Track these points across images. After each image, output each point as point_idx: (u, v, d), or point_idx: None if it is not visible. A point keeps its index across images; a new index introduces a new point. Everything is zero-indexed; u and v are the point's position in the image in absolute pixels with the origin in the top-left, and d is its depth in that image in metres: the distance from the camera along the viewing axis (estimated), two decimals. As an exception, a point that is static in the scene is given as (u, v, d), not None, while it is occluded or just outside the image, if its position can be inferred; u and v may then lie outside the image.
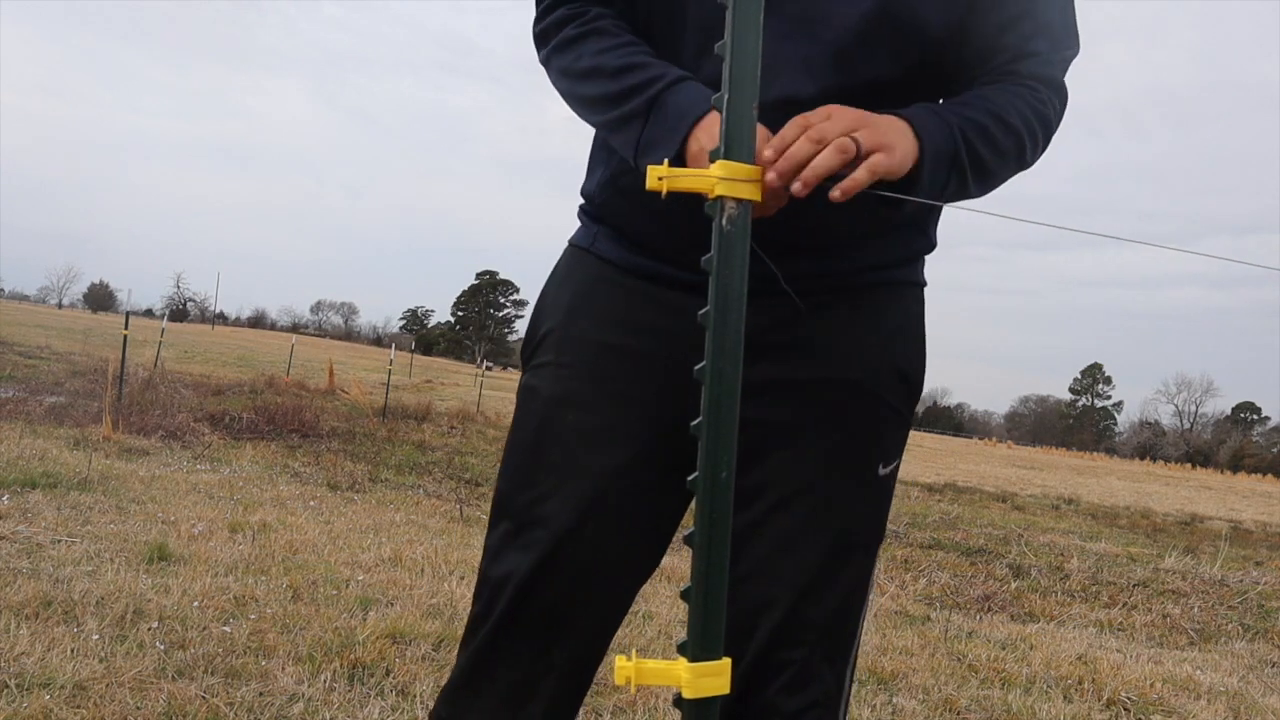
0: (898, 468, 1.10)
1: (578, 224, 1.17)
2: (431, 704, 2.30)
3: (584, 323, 1.09)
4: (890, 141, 0.86)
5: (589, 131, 1.13)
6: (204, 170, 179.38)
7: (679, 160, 0.90)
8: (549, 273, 1.18)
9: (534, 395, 1.10)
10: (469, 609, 1.12)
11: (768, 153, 0.83)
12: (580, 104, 1.04)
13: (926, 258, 1.13)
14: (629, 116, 0.97)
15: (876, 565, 1.12)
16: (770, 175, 0.82)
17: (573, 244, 1.16)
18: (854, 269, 1.04)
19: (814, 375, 1.02)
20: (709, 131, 0.88)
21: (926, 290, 1.13)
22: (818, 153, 0.83)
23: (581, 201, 1.16)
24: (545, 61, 1.08)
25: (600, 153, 1.12)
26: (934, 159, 0.90)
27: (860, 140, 0.84)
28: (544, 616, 1.05)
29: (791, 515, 1.03)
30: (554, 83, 1.07)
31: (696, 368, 0.80)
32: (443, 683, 2.44)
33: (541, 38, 1.08)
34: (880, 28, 0.96)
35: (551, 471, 1.06)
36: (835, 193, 0.84)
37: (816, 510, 1.03)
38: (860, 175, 0.84)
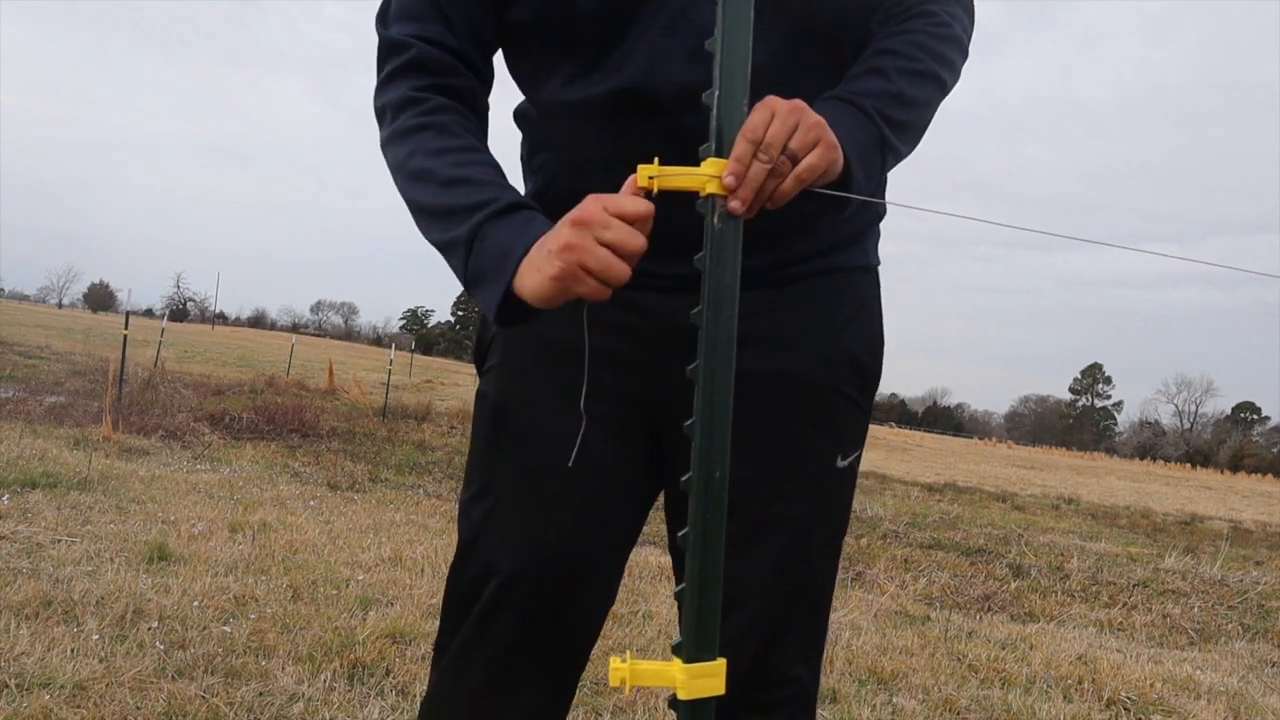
0: (859, 459, 1.09)
1: None
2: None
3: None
4: (826, 138, 0.86)
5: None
6: (204, 170, 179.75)
7: (511, 297, 0.87)
8: None
9: (484, 401, 1.08)
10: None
11: (729, 179, 0.81)
12: (410, 206, 0.98)
13: (884, 243, 1.13)
14: (453, 243, 0.92)
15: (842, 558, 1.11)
16: (734, 204, 0.82)
17: None
18: (806, 254, 1.03)
19: (768, 369, 1.01)
20: (532, 269, 0.85)
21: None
22: (768, 174, 0.83)
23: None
24: (382, 145, 1.01)
25: (525, 168, 1.12)
26: (861, 157, 0.91)
27: (795, 151, 0.84)
28: (514, 629, 1.02)
29: (752, 512, 1.01)
30: (389, 168, 1.01)
31: (689, 367, 0.80)
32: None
33: (379, 116, 1.02)
34: None
35: (506, 477, 1.04)
36: (767, 205, 0.86)
37: (778, 505, 1.02)
38: (787, 187, 0.85)
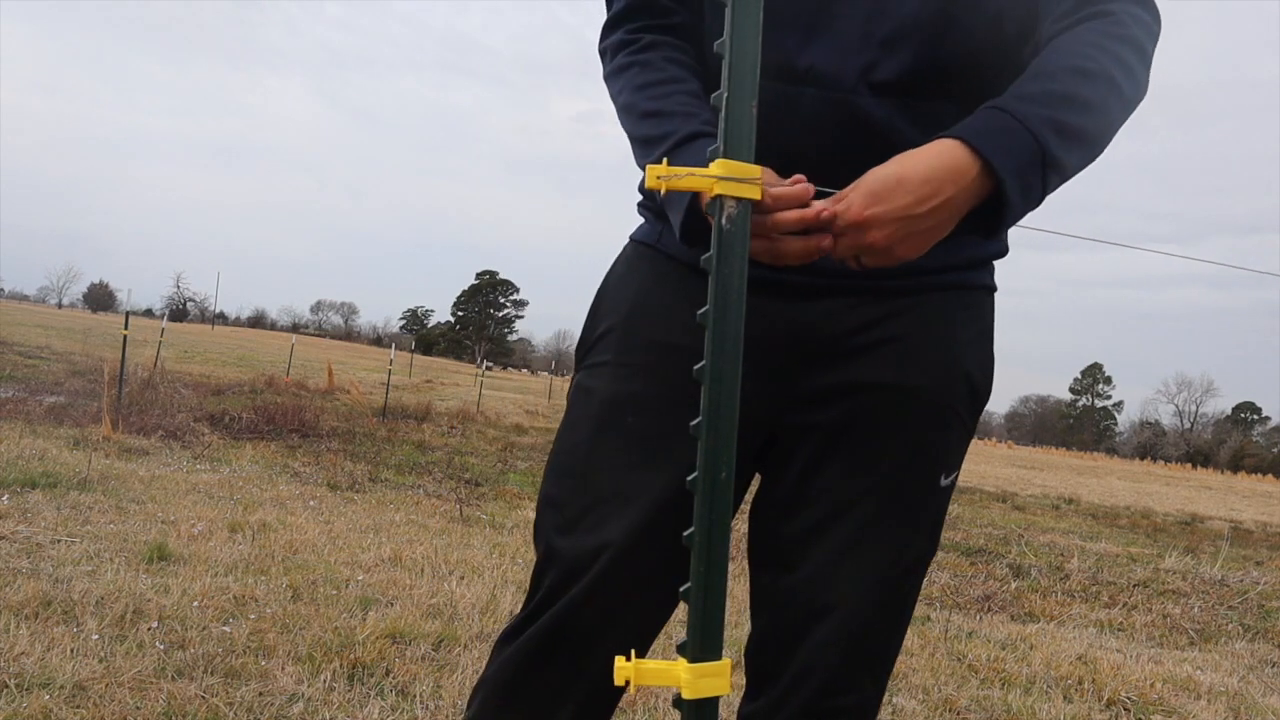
0: (956, 479, 1.08)
1: (639, 220, 1.13)
2: (432, 704, 2.31)
3: (647, 322, 1.05)
4: (894, 255, 0.87)
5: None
6: (204, 169, 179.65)
7: (693, 217, 0.93)
8: (609, 268, 1.14)
9: (590, 396, 1.06)
10: (515, 608, 1.09)
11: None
12: (629, 139, 1.05)
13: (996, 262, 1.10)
14: None
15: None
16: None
17: (636, 240, 1.12)
18: (930, 268, 1.00)
19: (890, 380, 1.00)
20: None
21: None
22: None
23: (640, 198, 1.13)
24: (605, 81, 1.09)
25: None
26: (1017, 174, 0.84)
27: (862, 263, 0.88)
28: (593, 625, 1.02)
29: (855, 523, 1.01)
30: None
31: (696, 367, 0.80)
32: (443, 683, 2.44)
33: (601, 57, 1.10)
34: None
35: (608, 479, 1.02)
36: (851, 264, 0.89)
37: (881, 519, 1.01)
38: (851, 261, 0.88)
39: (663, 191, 0.83)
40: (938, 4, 0.95)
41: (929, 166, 0.84)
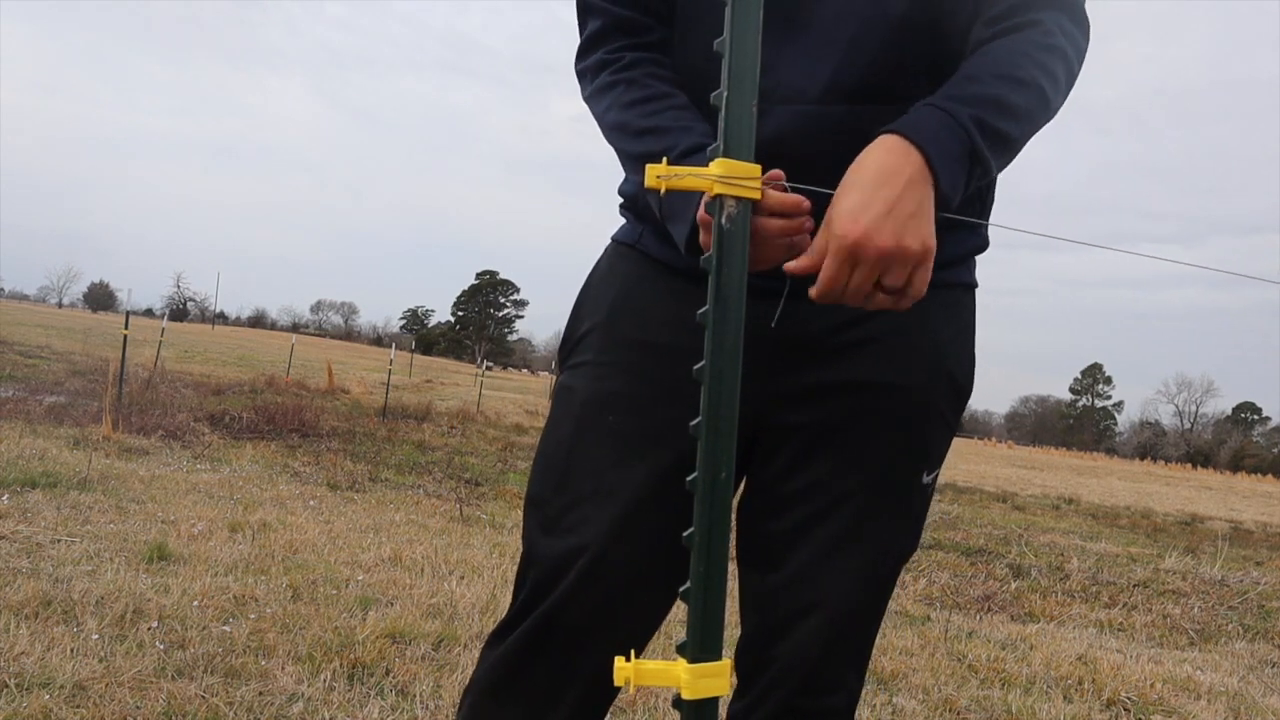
0: (938, 476, 1.09)
1: (620, 221, 1.13)
2: (432, 704, 2.31)
3: (627, 321, 1.05)
4: (920, 277, 0.85)
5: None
6: (205, 169, 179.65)
7: (695, 233, 0.91)
8: (591, 268, 1.14)
9: (571, 396, 1.06)
10: (507, 606, 1.09)
11: (824, 284, 0.84)
12: (618, 156, 1.05)
13: (978, 258, 1.09)
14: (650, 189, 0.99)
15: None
16: (815, 292, 0.84)
17: (617, 240, 1.12)
18: None
19: (874, 379, 1.00)
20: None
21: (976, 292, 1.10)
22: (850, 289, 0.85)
23: (621, 201, 1.13)
24: (585, 101, 1.08)
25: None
26: (946, 168, 0.86)
27: (886, 285, 0.85)
28: (578, 626, 1.02)
29: (838, 522, 1.01)
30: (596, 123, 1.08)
31: (696, 367, 0.80)
32: (443, 682, 2.44)
33: (580, 78, 1.09)
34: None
35: (588, 478, 1.03)
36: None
37: (863, 518, 1.02)
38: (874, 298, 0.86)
39: (663, 191, 0.83)
40: (900, 6, 0.95)
41: (876, 162, 0.85)
